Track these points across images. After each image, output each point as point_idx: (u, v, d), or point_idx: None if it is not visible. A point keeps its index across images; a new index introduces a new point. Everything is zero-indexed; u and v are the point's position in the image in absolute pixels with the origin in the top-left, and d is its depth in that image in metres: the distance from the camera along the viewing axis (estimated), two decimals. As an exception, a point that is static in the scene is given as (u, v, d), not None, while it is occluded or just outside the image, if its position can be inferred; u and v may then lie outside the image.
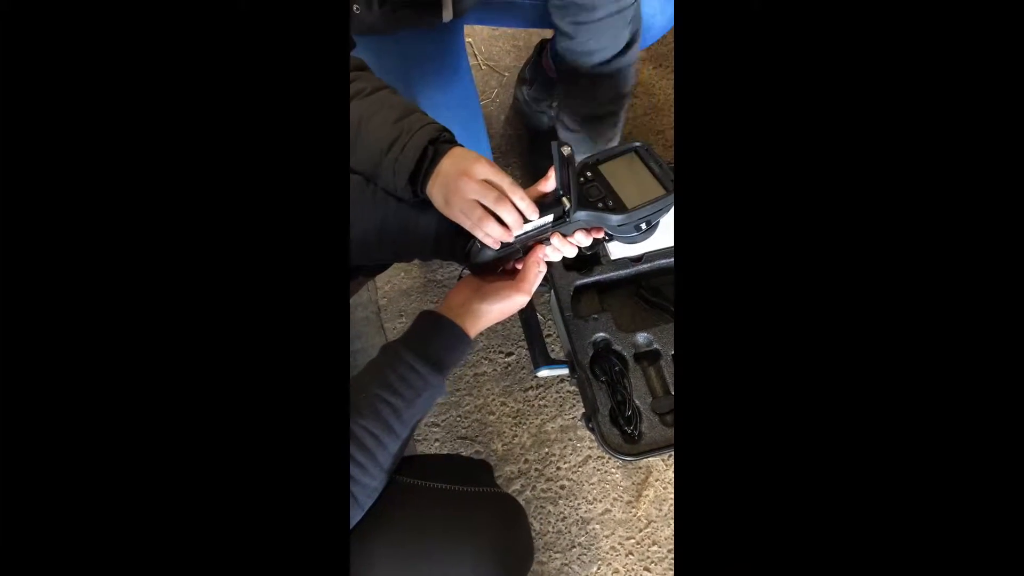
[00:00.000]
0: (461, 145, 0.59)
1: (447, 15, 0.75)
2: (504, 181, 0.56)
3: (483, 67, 1.29)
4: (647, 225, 0.61)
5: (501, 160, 1.18)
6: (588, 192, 0.59)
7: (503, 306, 0.60)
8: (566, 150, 0.53)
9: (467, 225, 0.57)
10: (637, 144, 0.61)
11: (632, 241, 0.62)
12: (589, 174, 0.60)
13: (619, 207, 0.58)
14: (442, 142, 0.58)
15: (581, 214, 0.59)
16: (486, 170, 0.56)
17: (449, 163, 0.57)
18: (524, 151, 1.18)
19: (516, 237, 0.58)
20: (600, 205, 0.58)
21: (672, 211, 0.61)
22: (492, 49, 1.31)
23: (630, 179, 0.60)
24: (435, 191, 0.58)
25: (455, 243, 0.61)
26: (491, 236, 0.56)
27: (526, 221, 0.57)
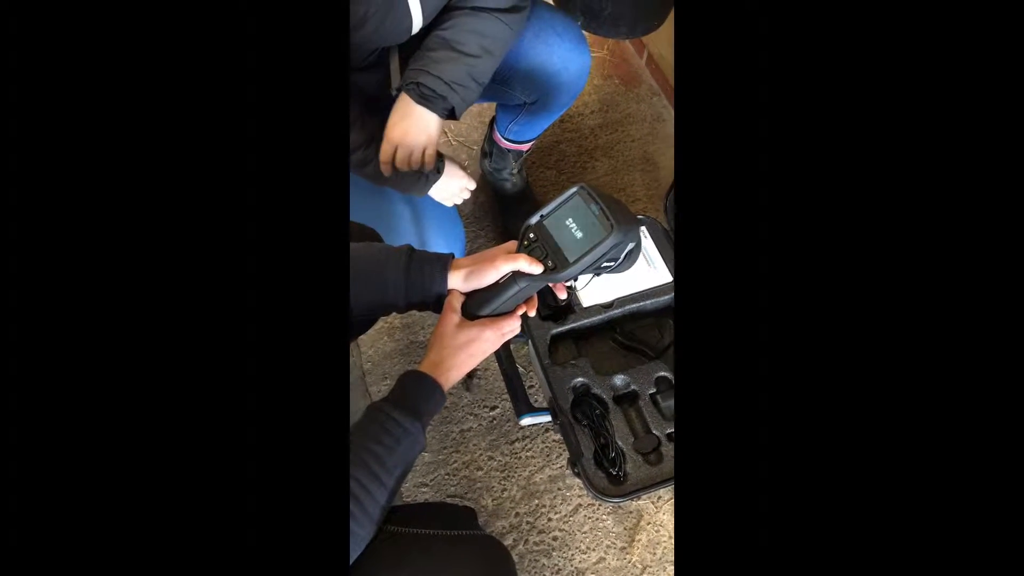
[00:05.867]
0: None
1: (395, 81, 0.84)
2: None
3: (454, 143, 1.38)
4: (613, 262, 0.62)
5: (475, 224, 1.25)
6: (532, 254, 0.62)
7: (470, 349, 0.63)
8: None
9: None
10: (576, 188, 0.62)
11: (604, 273, 0.64)
12: (532, 235, 0.63)
13: (561, 263, 0.60)
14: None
15: (524, 282, 0.62)
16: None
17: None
18: (495, 216, 1.25)
19: (485, 314, 0.63)
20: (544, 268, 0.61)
21: (639, 254, 0.65)
22: (460, 126, 1.41)
23: (574, 228, 0.61)
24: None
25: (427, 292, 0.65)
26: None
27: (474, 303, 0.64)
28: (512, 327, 0.65)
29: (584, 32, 1.06)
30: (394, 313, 0.70)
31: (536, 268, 0.61)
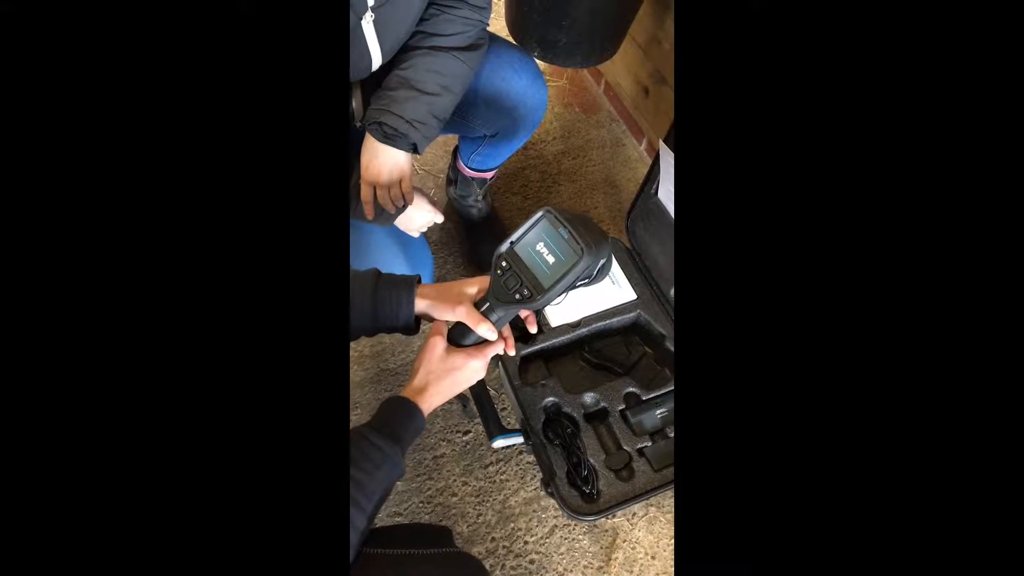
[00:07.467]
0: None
1: (357, 115, 0.86)
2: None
3: (419, 172, 1.40)
4: (587, 279, 0.62)
5: (443, 250, 1.26)
6: (506, 284, 0.62)
7: (454, 377, 0.64)
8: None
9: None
10: (543, 212, 0.62)
11: (578, 287, 0.64)
12: (504, 263, 0.62)
13: (537, 290, 0.60)
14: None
15: (501, 311, 0.63)
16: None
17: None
18: (462, 241, 1.27)
19: (469, 343, 0.65)
20: (517, 296, 0.61)
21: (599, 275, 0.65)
22: (425, 155, 1.43)
23: (545, 253, 0.61)
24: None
25: (397, 313, 0.65)
26: None
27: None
28: (495, 352, 0.67)
29: (542, 62, 1.10)
30: (363, 339, 0.70)
31: (491, 336, 0.64)
